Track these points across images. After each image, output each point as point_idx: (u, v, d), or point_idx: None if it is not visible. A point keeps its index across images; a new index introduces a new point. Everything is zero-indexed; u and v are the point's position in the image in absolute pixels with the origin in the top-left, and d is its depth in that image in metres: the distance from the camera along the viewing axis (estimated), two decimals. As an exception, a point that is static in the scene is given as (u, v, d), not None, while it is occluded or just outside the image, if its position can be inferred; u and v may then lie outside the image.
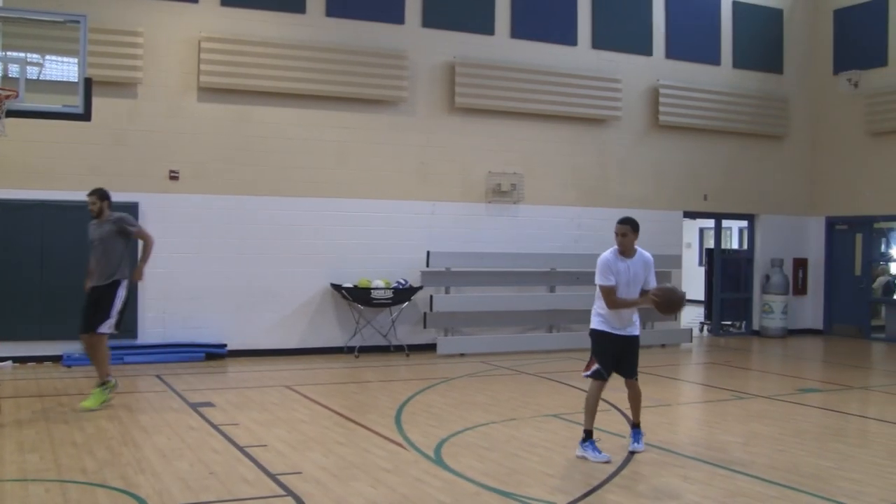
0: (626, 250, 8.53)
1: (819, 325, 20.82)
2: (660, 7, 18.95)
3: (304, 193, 15.80)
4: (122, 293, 10.82)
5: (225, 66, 15.17)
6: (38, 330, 14.21)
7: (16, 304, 14.08)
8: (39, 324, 14.17)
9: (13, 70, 11.43)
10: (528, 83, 17.37)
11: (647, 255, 8.64)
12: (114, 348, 14.35)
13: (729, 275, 20.63)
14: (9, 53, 11.46)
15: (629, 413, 10.29)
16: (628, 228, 8.46)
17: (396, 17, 16.56)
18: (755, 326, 20.43)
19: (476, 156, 17.08)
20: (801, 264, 20.83)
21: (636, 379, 8.76)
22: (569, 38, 18.03)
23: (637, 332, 8.71)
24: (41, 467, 7.79)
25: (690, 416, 11.49)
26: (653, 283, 8.60)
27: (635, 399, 8.84)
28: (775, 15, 20.39)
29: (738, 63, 19.91)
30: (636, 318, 8.72)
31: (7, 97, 11.04)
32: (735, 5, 19.80)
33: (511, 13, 17.45)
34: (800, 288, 20.77)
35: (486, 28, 17.28)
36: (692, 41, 19.33)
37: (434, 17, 16.81)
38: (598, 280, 8.48)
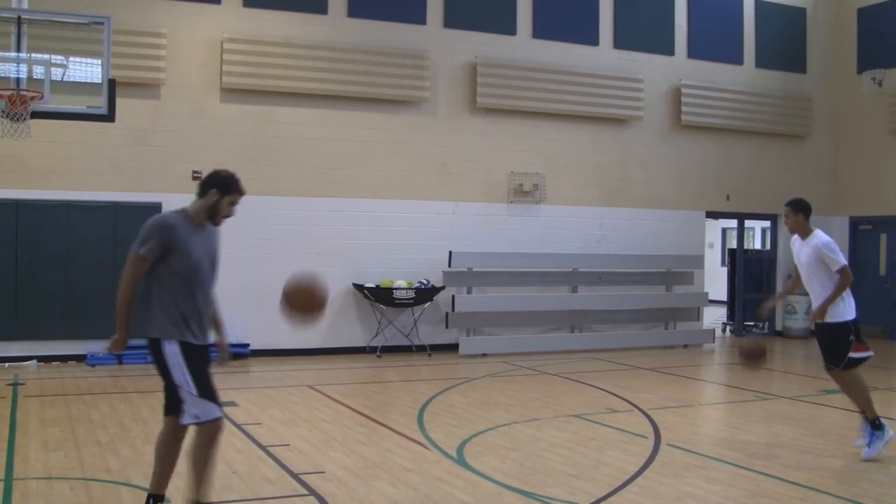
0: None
1: (843, 326, 20.64)
2: (682, 7, 18.88)
3: (327, 193, 15.84)
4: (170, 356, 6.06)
5: (247, 67, 15.23)
6: (63, 329, 14.30)
7: (40, 304, 14.17)
8: (64, 323, 14.26)
9: (38, 72, 11.52)
10: (550, 83, 17.36)
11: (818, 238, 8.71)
12: (137, 347, 14.45)
13: (751, 275, 20.54)
14: (34, 55, 11.54)
15: (652, 414, 10.32)
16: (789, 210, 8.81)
17: (418, 17, 16.58)
18: (778, 327, 20.32)
19: (498, 156, 17.08)
20: (824, 264, 20.67)
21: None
22: (591, 37, 18.01)
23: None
24: (66, 466, 7.85)
25: (713, 416, 11.45)
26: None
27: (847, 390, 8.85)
28: (798, 14, 20.29)
29: (761, 62, 19.82)
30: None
31: (32, 98, 11.15)
32: (758, 4, 19.71)
33: (533, 13, 17.43)
34: (823, 288, 20.60)
35: (508, 28, 17.27)
36: (714, 41, 19.26)
37: (456, 18, 16.82)
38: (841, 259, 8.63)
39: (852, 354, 8.55)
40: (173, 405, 6.01)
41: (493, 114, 17.08)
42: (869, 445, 8.37)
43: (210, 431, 5.95)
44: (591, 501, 6.91)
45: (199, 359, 6.03)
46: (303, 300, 6.42)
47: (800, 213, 8.74)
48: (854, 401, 8.77)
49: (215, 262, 6.58)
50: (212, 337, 6.46)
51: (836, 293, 8.51)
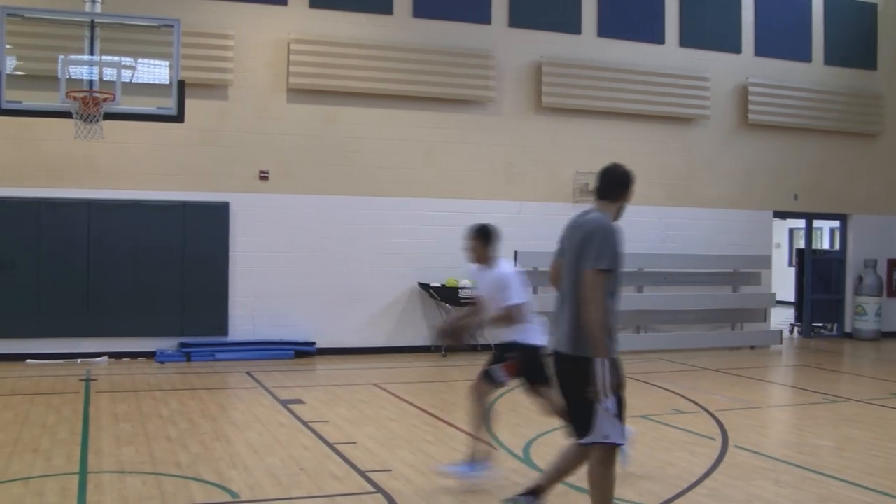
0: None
1: (914, 328, 20.34)
2: (749, 4, 18.66)
3: (392, 193, 15.92)
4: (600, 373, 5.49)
5: (313, 68, 15.37)
6: (132, 326, 14.54)
7: (111, 302, 14.42)
8: (133, 320, 14.50)
9: (108, 74, 11.73)
10: (616, 82, 17.27)
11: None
12: (205, 345, 14.69)
13: (820, 276, 20.25)
14: (105, 58, 11.75)
15: (719, 416, 10.22)
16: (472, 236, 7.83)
17: (483, 16, 16.59)
18: (847, 329, 20.00)
19: (563, 155, 17.03)
20: (895, 265, 20.34)
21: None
22: (656, 36, 17.88)
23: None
24: (137, 460, 7.99)
25: (781, 418, 11.33)
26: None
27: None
28: (869, 9, 19.93)
29: (830, 60, 19.50)
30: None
31: (104, 100, 11.36)
32: (827, 0, 19.40)
33: (598, 12, 17.35)
34: (894, 289, 20.28)
35: (573, 27, 17.21)
36: (782, 38, 19.00)
37: (520, 17, 16.80)
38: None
39: (498, 374, 7.83)
40: (585, 426, 5.57)
41: (559, 113, 17.03)
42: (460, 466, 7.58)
43: (612, 455, 5.62)
44: (658, 503, 6.87)
45: (619, 374, 5.54)
46: None
47: (479, 240, 7.81)
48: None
49: None
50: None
51: (494, 320, 7.79)
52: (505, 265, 7.84)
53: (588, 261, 5.51)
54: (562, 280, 5.84)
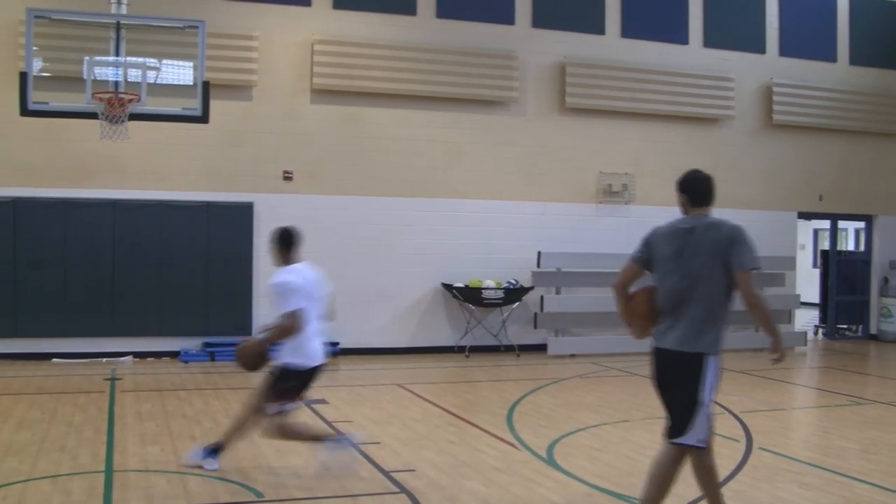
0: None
1: (940, 330, 20.18)
2: (773, 3, 18.55)
3: (416, 194, 15.94)
4: (712, 373, 5.82)
5: (337, 68, 15.40)
6: (157, 326, 14.62)
7: (136, 301, 14.50)
8: (158, 320, 14.57)
9: (133, 75, 11.79)
10: (639, 83, 17.23)
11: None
12: (229, 345, 14.68)
13: (845, 277, 20.11)
14: (129, 59, 11.81)
15: (743, 417, 10.15)
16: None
17: (506, 17, 16.58)
18: (872, 330, 19.87)
19: (586, 156, 17.01)
20: (921, 267, 20.22)
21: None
22: (680, 36, 17.82)
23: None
24: (162, 459, 8.04)
25: (805, 420, 11.27)
26: None
27: None
28: (894, 8, 19.80)
29: (855, 59, 19.37)
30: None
31: (130, 101, 11.41)
32: (852, 0, 19.29)
33: (621, 12, 17.31)
34: (920, 291, 20.16)
35: (597, 27, 17.18)
36: (807, 38, 18.90)
37: (544, 18, 16.78)
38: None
39: (280, 406, 7.49)
40: (681, 426, 5.80)
41: (582, 114, 17.00)
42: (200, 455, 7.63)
43: (708, 451, 5.88)
44: (682, 504, 6.86)
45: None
46: None
47: (276, 244, 7.94)
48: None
49: None
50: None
51: (273, 336, 7.64)
52: (285, 272, 7.76)
53: (742, 262, 5.89)
54: (678, 285, 6.03)
